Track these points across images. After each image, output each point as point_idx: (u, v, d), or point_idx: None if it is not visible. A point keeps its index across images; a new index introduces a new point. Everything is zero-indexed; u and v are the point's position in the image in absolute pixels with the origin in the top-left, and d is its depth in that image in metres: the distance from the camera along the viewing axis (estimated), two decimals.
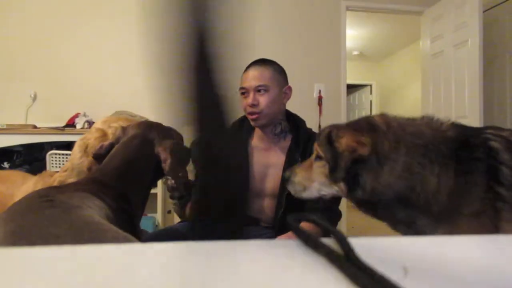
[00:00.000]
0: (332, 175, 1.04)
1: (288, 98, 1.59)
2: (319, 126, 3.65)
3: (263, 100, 1.48)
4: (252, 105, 1.48)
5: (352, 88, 8.20)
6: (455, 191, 0.96)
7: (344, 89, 4.06)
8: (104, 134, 1.44)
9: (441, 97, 3.81)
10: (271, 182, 1.54)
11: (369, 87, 8.11)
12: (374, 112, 7.84)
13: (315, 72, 3.95)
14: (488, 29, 3.50)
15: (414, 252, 0.38)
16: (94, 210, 0.82)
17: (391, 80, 7.48)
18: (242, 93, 1.51)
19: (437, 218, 0.98)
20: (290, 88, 1.58)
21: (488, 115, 3.49)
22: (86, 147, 1.42)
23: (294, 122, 1.60)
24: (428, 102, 4.07)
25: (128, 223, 0.87)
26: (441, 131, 1.02)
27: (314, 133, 1.58)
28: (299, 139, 1.55)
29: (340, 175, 1.02)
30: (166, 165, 1.08)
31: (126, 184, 1.02)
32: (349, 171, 1.00)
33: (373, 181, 0.99)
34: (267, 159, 1.56)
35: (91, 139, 1.44)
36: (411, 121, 1.06)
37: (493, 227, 0.94)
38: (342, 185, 1.04)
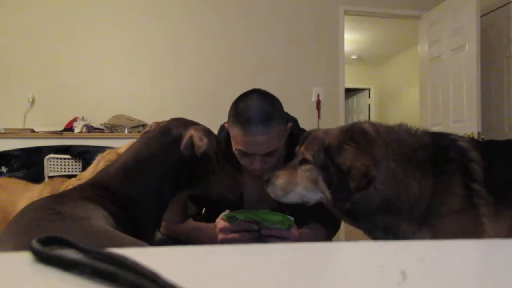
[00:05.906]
0: (338, 194, 0.98)
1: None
2: None
3: (272, 160, 1.25)
4: (261, 169, 1.25)
5: (350, 92, 8.21)
6: (434, 193, 0.98)
7: (342, 93, 4.06)
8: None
9: (439, 101, 3.81)
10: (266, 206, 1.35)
11: (367, 91, 8.13)
12: (373, 116, 7.87)
13: (314, 76, 3.95)
14: (486, 33, 3.51)
15: (412, 256, 0.38)
16: (101, 220, 0.81)
17: (389, 84, 7.50)
18: (242, 154, 1.24)
19: (418, 222, 0.99)
20: (289, 124, 1.33)
21: (486, 119, 3.49)
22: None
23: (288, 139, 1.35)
24: (426, 106, 4.07)
25: (131, 230, 0.83)
26: (418, 136, 1.05)
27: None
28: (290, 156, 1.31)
29: (346, 196, 0.97)
30: (202, 144, 0.96)
31: (132, 185, 0.96)
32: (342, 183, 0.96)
33: (364, 192, 0.97)
34: (260, 186, 1.33)
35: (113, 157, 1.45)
36: (392, 128, 1.08)
37: (475, 224, 0.96)
38: (328, 193, 1.00)
